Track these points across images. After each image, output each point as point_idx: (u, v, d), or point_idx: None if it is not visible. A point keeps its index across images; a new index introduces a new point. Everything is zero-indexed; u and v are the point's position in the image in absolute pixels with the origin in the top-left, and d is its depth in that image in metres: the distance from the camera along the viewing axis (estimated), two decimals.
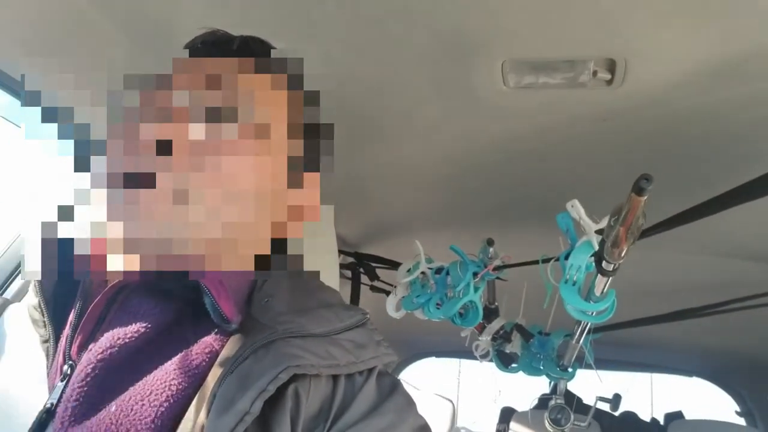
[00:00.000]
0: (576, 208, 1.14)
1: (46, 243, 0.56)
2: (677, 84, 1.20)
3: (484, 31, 1.11)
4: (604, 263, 1.04)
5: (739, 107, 1.27)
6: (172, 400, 0.58)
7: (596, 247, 1.09)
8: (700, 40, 1.09)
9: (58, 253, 0.57)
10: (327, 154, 0.63)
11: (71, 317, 0.66)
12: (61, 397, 0.60)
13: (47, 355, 0.65)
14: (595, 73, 1.18)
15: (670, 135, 1.40)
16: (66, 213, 0.56)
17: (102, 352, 0.61)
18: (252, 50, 0.68)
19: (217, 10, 1.10)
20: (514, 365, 1.77)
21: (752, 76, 1.16)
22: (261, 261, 0.61)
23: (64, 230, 0.56)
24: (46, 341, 0.66)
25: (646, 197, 0.79)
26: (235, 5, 1.09)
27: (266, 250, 0.61)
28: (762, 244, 1.91)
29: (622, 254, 0.97)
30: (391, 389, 0.69)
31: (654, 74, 1.19)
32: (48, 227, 0.56)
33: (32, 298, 0.69)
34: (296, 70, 0.63)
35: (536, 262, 1.29)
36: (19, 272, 1.37)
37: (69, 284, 0.69)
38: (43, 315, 0.67)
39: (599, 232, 1.09)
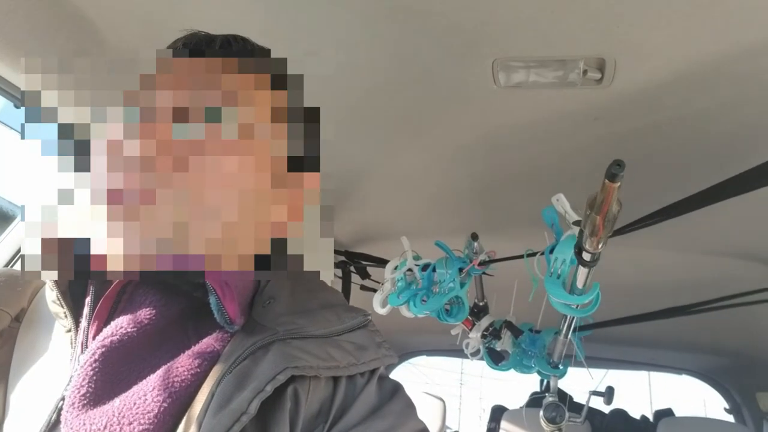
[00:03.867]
0: (561, 202, 1.15)
1: (62, 243, 0.57)
2: (667, 83, 1.21)
3: (475, 30, 1.12)
4: (584, 254, 1.04)
5: (728, 106, 1.28)
6: (174, 397, 0.59)
7: None
8: (689, 40, 1.10)
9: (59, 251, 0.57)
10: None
11: (86, 310, 0.67)
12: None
13: (71, 345, 0.66)
14: (585, 72, 1.19)
15: (659, 133, 1.41)
16: (66, 213, 0.56)
17: (103, 340, 0.61)
18: (234, 49, 0.68)
19: (214, 10, 1.10)
20: (504, 363, 1.77)
21: (741, 76, 1.17)
22: (261, 261, 0.61)
23: (64, 230, 0.56)
24: (69, 331, 0.67)
25: (619, 183, 0.79)
26: (232, 5, 1.08)
27: (266, 250, 0.61)
28: (751, 242, 1.93)
29: (600, 244, 0.97)
30: (393, 392, 0.69)
31: (644, 73, 1.20)
32: (48, 227, 0.56)
33: (49, 293, 0.69)
34: (280, 69, 0.64)
35: (521, 257, 1.29)
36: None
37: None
38: (62, 306, 0.68)
39: (577, 223, 1.10)
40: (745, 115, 1.30)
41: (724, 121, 1.33)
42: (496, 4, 1.05)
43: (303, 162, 0.62)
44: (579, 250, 1.05)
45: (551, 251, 1.19)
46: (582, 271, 1.10)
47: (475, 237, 1.43)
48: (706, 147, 1.45)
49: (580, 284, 1.13)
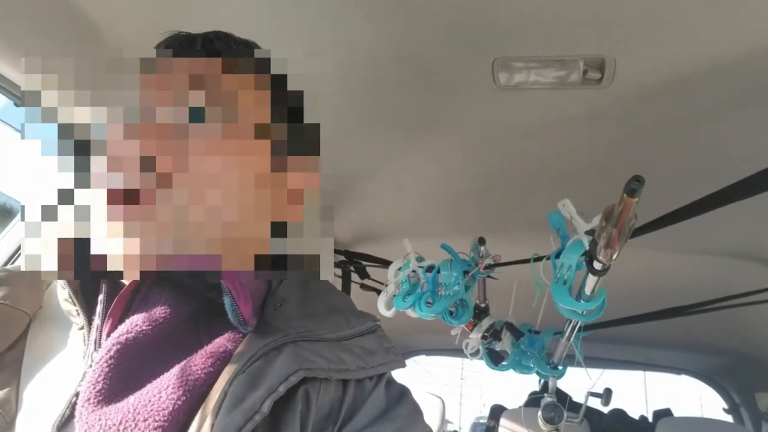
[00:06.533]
0: (567, 207, 1.15)
1: (61, 243, 0.57)
2: (667, 83, 1.21)
3: (475, 30, 1.12)
4: (595, 263, 1.04)
5: (728, 107, 1.28)
6: (188, 395, 0.59)
7: (587, 247, 1.09)
8: (689, 40, 1.10)
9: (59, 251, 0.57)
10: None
11: (99, 308, 0.67)
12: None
13: (84, 342, 0.66)
14: (585, 72, 1.19)
15: (660, 133, 1.41)
16: (66, 213, 0.56)
17: (118, 338, 0.62)
18: (217, 47, 0.68)
19: (214, 9, 1.10)
20: (504, 363, 1.78)
21: (741, 76, 1.18)
22: (261, 261, 0.61)
23: (64, 230, 0.56)
24: (81, 328, 0.68)
25: (637, 198, 0.79)
26: (231, 3, 1.08)
27: (266, 250, 0.61)
28: (750, 244, 1.93)
29: (615, 255, 0.97)
30: (400, 396, 0.70)
31: (644, 73, 1.20)
32: (48, 227, 0.56)
33: (61, 291, 0.70)
34: (280, 69, 0.64)
35: (527, 261, 1.29)
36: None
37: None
38: (75, 305, 0.68)
39: (590, 232, 1.10)
40: (748, 115, 1.30)
41: (727, 121, 1.34)
42: (497, 3, 1.05)
43: (303, 162, 0.62)
44: (590, 258, 1.05)
45: (557, 256, 1.19)
46: (591, 279, 1.10)
47: (482, 241, 1.43)
48: (707, 147, 1.45)
49: (588, 291, 1.13)
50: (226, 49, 0.68)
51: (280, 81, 0.63)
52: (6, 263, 1.38)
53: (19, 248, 1.40)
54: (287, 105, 0.62)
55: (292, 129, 0.62)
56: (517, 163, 1.63)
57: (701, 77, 1.18)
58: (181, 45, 0.69)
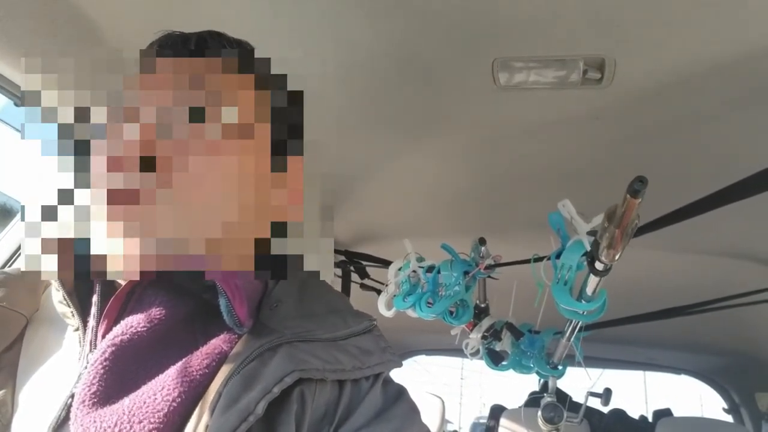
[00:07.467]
0: (567, 208, 1.14)
1: (61, 243, 0.57)
2: (667, 83, 1.21)
3: (475, 30, 1.12)
4: (597, 263, 1.04)
5: (728, 107, 1.28)
6: (183, 396, 0.59)
7: (588, 247, 1.09)
8: (689, 40, 1.10)
9: (59, 251, 0.57)
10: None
11: (93, 309, 0.67)
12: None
13: (80, 343, 0.66)
14: (585, 72, 1.19)
15: (659, 133, 1.41)
16: (65, 213, 0.56)
17: (113, 339, 0.62)
18: (210, 46, 0.68)
19: (214, 9, 1.10)
20: (504, 363, 1.78)
21: (741, 76, 1.17)
22: (261, 261, 0.61)
23: (64, 230, 0.56)
24: (76, 330, 0.67)
25: (641, 199, 0.79)
26: (232, 4, 1.08)
27: (266, 250, 0.61)
28: (750, 244, 1.93)
29: (617, 255, 0.97)
30: (397, 396, 0.70)
31: (644, 73, 1.20)
32: (48, 227, 0.56)
33: (56, 293, 0.70)
34: (266, 63, 0.64)
35: (528, 261, 1.29)
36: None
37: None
38: (69, 306, 0.68)
39: (591, 233, 1.10)
40: (748, 115, 1.30)
41: (727, 121, 1.33)
42: (497, 3, 1.05)
43: (303, 162, 0.62)
44: (592, 259, 1.05)
45: (557, 256, 1.19)
46: (593, 280, 1.10)
47: (482, 242, 1.43)
48: (708, 147, 1.45)
49: (590, 291, 1.13)
50: (219, 49, 0.68)
51: (279, 81, 0.63)
52: (6, 263, 1.38)
53: (19, 248, 1.40)
54: (287, 105, 0.62)
55: (291, 129, 0.62)
56: (517, 163, 1.63)
57: (701, 77, 1.18)
58: (174, 45, 0.68)
